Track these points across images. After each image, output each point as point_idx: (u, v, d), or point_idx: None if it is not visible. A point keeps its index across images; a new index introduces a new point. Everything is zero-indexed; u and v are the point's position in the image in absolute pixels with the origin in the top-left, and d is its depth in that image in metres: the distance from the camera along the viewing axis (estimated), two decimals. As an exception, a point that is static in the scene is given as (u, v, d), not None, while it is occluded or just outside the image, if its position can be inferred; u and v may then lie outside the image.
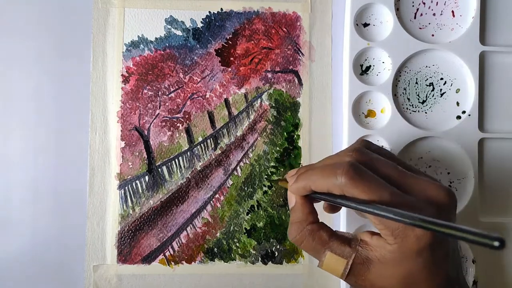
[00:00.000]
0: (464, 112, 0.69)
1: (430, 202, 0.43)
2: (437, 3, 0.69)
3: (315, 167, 0.46)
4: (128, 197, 0.66)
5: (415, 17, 0.69)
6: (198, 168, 0.67)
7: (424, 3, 0.69)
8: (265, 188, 0.68)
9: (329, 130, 0.68)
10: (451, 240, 0.44)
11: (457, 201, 0.45)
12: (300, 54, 0.68)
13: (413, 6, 0.69)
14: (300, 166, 0.68)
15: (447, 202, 0.44)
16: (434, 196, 0.43)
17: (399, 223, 0.40)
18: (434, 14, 0.69)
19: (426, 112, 0.69)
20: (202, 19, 0.67)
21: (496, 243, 0.32)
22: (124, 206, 0.66)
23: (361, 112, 0.68)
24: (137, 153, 0.66)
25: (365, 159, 0.44)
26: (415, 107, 0.69)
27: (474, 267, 0.67)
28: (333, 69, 0.69)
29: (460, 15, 0.69)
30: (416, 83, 0.69)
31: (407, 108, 0.69)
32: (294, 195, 0.48)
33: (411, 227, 0.40)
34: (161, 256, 0.66)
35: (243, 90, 0.68)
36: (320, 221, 0.48)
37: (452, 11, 0.69)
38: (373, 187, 0.41)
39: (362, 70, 0.68)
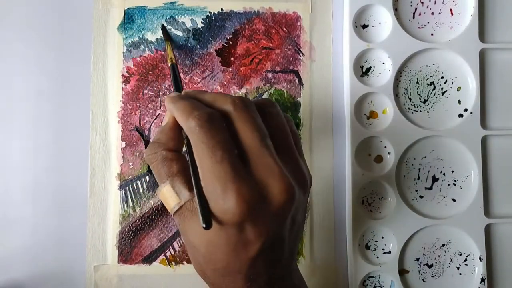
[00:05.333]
0: (466, 110, 0.68)
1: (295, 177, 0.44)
2: (435, 1, 0.69)
3: (182, 100, 0.45)
4: (129, 197, 0.65)
5: (413, 17, 0.69)
6: (199, 168, 0.67)
7: (422, 2, 0.69)
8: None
9: (330, 130, 0.68)
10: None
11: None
12: (301, 54, 0.69)
13: (411, 5, 0.69)
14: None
15: (281, 201, 0.42)
16: (271, 188, 0.42)
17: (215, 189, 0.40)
18: (432, 13, 0.69)
19: (428, 112, 0.69)
20: (203, 19, 0.68)
21: (204, 225, 0.39)
22: (125, 206, 0.65)
23: (363, 113, 0.68)
24: (138, 154, 0.66)
25: (243, 111, 0.43)
26: (417, 106, 0.69)
27: (482, 264, 0.67)
28: (334, 69, 0.69)
29: (459, 13, 0.69)
30: (417, 82, 0.69)
31: (409, 108, 0.69)
32: (170, 114, 0.46)
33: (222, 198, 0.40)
34: (162, 256, 0.66)
35: (243, 90, 0.68)
36: (181, 153, 0.47)
37: (451, 9, 0.69)
38: (213, 141, 0.41)
39: (363, 71, 0.68)
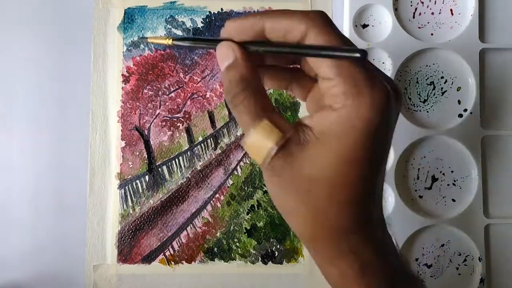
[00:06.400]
0: (465, 110, 0.68)
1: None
2: (435, 1, 0.69)
3: (273, 10, 0.39)
4: (128, 197, 0.66)
5: (413, 17, 0.69)
6: (198, 168, 0.67)
7: (422, 2, 0.69)
8: (265, 188, 0.67)
9: (330, 129, 0.68)
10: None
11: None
12: (300, 54, 0.68)
13: (411, 5, 0.69)
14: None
15: (400, 95, 0.39)
16: (390, 84, 0.37)
17: (357, 80, 0.34)
18: (432, 13, 0.69)
19: (427, 111, 0.69)
20: (203, 19, 0.68)
21: (357, 54, 0.32)
22: (124, 206, 0.65)
23: (362, 113, 0.68)
24: (138, 153, 0.66)
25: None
26: (417, 106, 0.69)
27: (481, 265, 0.67)
28: (333, 69, 0.69)
29: (459, 13, 0.69)
30: (417, 82, 0.69)
31: (408, 108, 0.69)
32: (233, 48, 0.38)
33: (369, 90, 0.34)
34: (161, 256, 0.66)
35: (243, 90, 0.68)
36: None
37: (451, 9, 0.69)
38: (343, 36, 0.36)
39: (363, 71, 0.68)
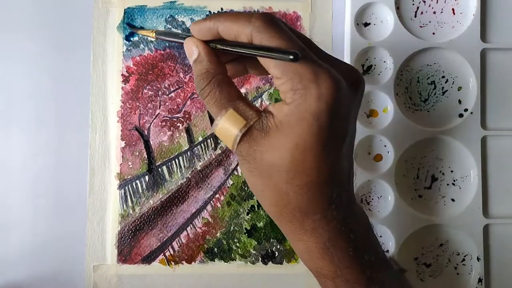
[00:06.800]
0: (466, 110, 0.68)
1: (348, 75, 0.41)
2: (437, 1, 0.69)
3: (225, 13, 0.43)
4: (128, 197, 0.66)
5: (415, 16, 0.69)
6: (198, 168, 0.67)
7: (424, 1, 0.69)
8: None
9: (330, 129, 0.68)
10: (351, 129, 0.42)
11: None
12: (300, 53, 0.68)
13: (413, 4, 0.69)
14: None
15: (361, 83, 0.42)
16: (349, 73, 0.41)
17: (302, 76, 0.37)
18: (434, 12, 0.69)
19: (428, 111, 0.69)
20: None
21: (291, 56, 0.35)
22: (124, 206, 0.65)
23: (363, 112, 0.68)
24: (137, 153, 0.66)
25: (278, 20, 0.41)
26: (417, 105, 0.69)
27: (479, 264, 0.67)
28: (334, 68, 0.69)
29: (461, 13, 0.69)
30: (418, 81, 0.69)
31: (409, 107, 0.69)
32: (196, 44, 0.43)
33: (314, 84, 0.37)
34: (161, 256, 0.66)
35: (243, 90, 0.67)
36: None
37: (453, 9, 0.69)
38: (286, 36, 0.38)
39: (364, 70, 0.68)
